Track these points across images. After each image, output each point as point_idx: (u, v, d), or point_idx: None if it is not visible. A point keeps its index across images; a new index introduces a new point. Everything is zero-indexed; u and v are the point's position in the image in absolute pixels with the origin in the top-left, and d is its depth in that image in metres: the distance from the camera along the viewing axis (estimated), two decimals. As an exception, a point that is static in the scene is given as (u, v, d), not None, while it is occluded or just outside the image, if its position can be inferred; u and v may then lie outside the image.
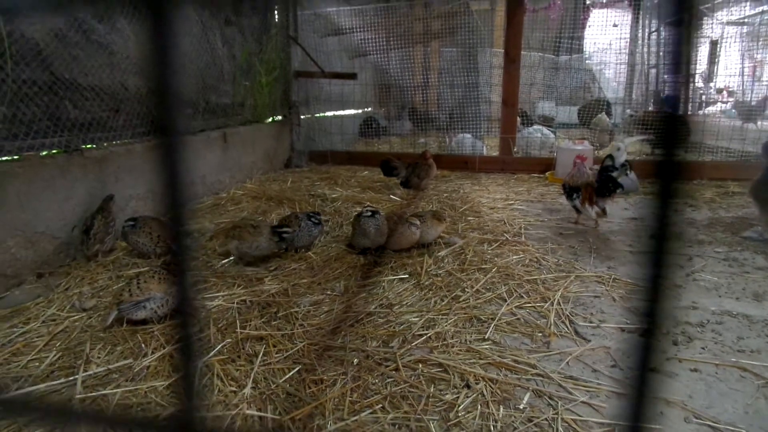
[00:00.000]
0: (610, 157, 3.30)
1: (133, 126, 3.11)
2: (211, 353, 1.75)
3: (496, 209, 3.66)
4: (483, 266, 2.54)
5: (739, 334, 1.89)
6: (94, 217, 2.59)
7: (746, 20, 9.25)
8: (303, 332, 1.92)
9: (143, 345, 1.81)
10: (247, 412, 1.46)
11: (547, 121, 6.30)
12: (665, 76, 8.22)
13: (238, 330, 1.91)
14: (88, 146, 2.81)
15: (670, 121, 0.35)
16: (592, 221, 3.30)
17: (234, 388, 1.58)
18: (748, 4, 8.96)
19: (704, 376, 1.63)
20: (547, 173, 4.85)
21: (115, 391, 1.56)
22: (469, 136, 5.70)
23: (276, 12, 4.96)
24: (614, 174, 3.21)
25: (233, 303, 2.14)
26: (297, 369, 1.68)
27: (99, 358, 1.74)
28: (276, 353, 1.78)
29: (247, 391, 1.56)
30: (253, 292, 2.27)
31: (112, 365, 1.69)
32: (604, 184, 3.15)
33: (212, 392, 1.56)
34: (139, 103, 3.05)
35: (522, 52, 6.73)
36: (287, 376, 1.64)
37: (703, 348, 1.80)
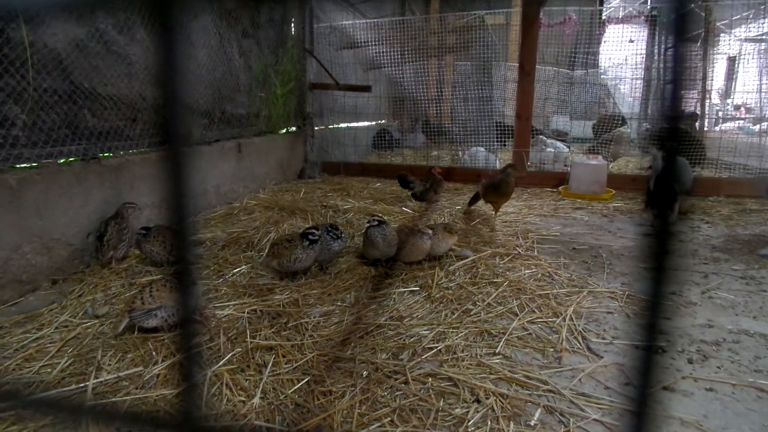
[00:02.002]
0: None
1: (150, 135, 3.16)
2: (221, 362, 1.75)
3: (509, 223, 3.64)
4: (495, 280, 2.52)
5: (756, 353, 1.85)
6: (107, 223, 2.63)
7: (765, 37, 9.17)
8: (312, 343, 1.92)
9: (154, 353, 1.82)
10: (256, 422, 1.46)
11: (560, 136, 6.27)
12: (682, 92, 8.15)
13: (248, 339, 1.91)
14: (105, 155, 2.85)
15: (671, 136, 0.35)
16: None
17: (243, 398, 1.58)
18: (766, 20, 8.89)
19: (720, 396, 1.59)
20: (560, 188, 4.82)
21: (125, 398, 1.56)
22: (482, 149, 5.69)
23: (293, 25, 5.02)
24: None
25: (244, 312, 2.14)
26: (306, 380, 1.67)
27: (110, 365, 1.75)
28: (285, 364, 1.78)
29: (256, 401, 1.55)
30: (264, 302, 2.27)
31: (123, 372, 1.69)
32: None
33: (221, 401, 1.56)
34: (156, 112, 3.10)
35: (536, 66, 6.74)
36: (296, 387, 1.63)
37: (719, 367, 1.76)
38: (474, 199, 3.85)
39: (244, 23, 4.13)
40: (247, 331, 1.97)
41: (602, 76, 9.13)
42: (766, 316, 2.17)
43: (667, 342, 1.94)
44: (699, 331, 2.03)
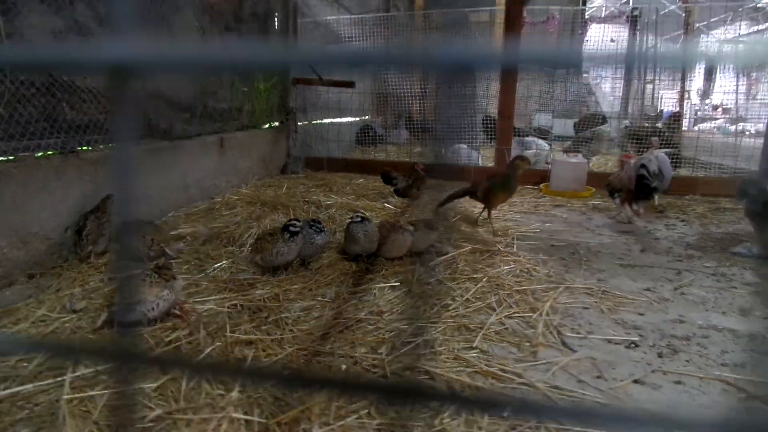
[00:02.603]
0: (644, 166, 3.51)
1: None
2: (201, 356, 1.76)
3: (489, 219, 3.68)
4: (474, 276, 2.55)
5: (723, 348, 1.91)
6: (86, 217, 2.61)
7: (742, 39, 9.36)
8: (292, 337, 1.93)
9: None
10: (234, 415, 1.47)
11: (542, 134, 6.35)
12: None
13: (228, 334, 1.92)
14: (84, 148, 2.83)
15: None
16: (626, 219, 3.73)
17: (222, 392, 1.59)
18: (743, 23, 9.07)
19: (688, 389, 1.65)
20: (541, 185, 4.89)
21: (102, 392, 1.56)
22: (464, 146, 5.73)
23: (276, 19, 5.00)
24: (651, 183, 3.49)
25: (224, 307, 2.15)
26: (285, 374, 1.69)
27: (88, 359, 1.75)
28: (265, 358, 1.79)
29: (235, 394, 1.57)
30: (244, 296, 2.27)
31: (100, 367, 1.69)
32: (640, 189, 3.51)
33: (200, 395, 1.57)
34: (137, 105, 3.07)
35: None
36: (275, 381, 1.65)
37: (687, 361, 1.82)
38: (451, 198, 3.58)
39: (227, 17, 4.10)
40: (227, 326, 1.98)
41: (584, 75, 9.25)
42: (735, 312, 2.24)
43: (640, 337, 2.00)
44: (670, 327, 2.09)
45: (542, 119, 8.31)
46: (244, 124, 4.59)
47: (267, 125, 5.07)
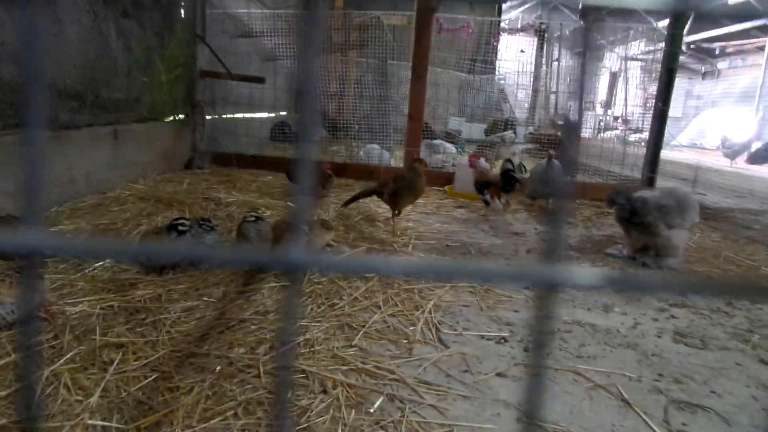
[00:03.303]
0: (510, 161, 3.98)
1: (6, 117, 2.90)
2: (61, 361, 1.66)
3: (393, 220, 3.76)
4: (366, 275, 2.60)
5: (582, 341, 2.09)
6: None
7: (640, 56, 10.19)
8: (168, 339, 1.88)
9: (-15, 352, 1.69)
10: (89, 421, 1.41)
11: (450, 137, 6.57)
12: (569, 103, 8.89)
13: (98, 337, 1.84)
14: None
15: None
16: (500, 212, 4.04)
17: (80, 398, 1.52)
18: (642, 41, 9.85)
19: (543, 380, 1.78)
20: (446, 187, 5.06)
21: (-58, 402, 1.44)
22: (376, 146, 5.81)
23: (182, 8, 4.82)
24: (516, 174, 3.90)
25: (98, 309, 2.04)
26: (153, 377, 1.64)
27: (-70, 366, 1.60)
28: (134, 361, 1.73)
29: (94, 399, 1.50)
30: (123, 297, 2.18)
31: (-56, 374, 1.56)
32: (507, 182, 3.83)
33: (55, 402, 1.49)
34: (12, 92, 2.85)
35: (438, 69, 6.98)
36: (141, 384, 1.60)
37: (548, 354, 1.96)
38: (356, 197, 3.62)
39: (125, 2, 3.89)
40: (98, 328, 1.89)
41: (501, 82, 9.68)
42: (599, 307, 2.45)
43: (510, 333, 2.13)
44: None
45: (455, 123, 8.60)
46: (144, 116, 4.38)
47: (171, 118, 4.86)
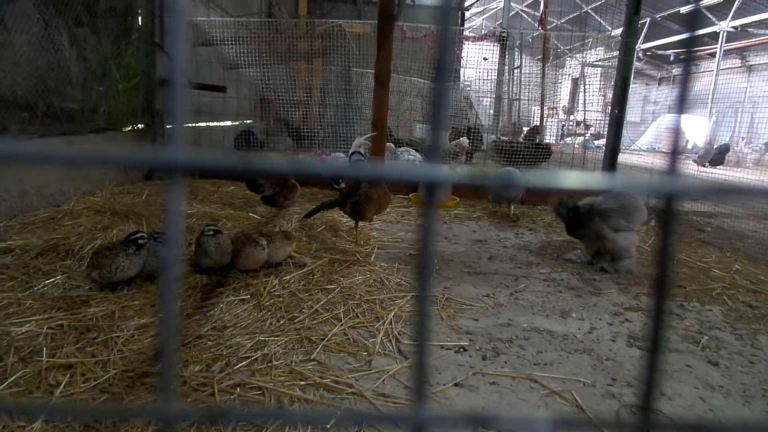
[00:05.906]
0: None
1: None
2: (3, 385, 1.60)
3: (356, 230, 3.75)
4: (327, 286, 2.59)
5: (539, 348, 2.12)
6: None
7: (600, 63, 10.49)
8: (120, 358, 1.83)
9: None
10: (31, 449, 1.36)
11: (415, 144, 6.63)
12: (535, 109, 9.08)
13: (44, 358, 1.77)
14: None
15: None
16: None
17: (23, 423, 1.46)
18: (602, 49, 10.14)
19: (500, 389, 1.80)
20: (411, 195, 5.09)
21: None
22: (342, 155, 5.81)
23: (139, 16, 4.72)
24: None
25: (45, 328, 1.97)
26: (103, 398, 1.59)
27: None
28: (83, 382, 1.67)
29: (38, 425, 1.44)
30: (73, 315, 2.11)
31: None
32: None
33: (-4, 429, 1.43)
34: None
35: (403, 77, 7.02)
36: (88, 408, 1.54)
37: (506, 362, 1.99)
38: (319, 209, 3.54)
39: (78, 10, 3.79)
40: (45, 349, 1.82)
41: (467, 89, 9.81)
42: (557, 314, 2.49)
43: (470, 341, 2.15)
44: (498, 330, 2.27)
45: (422, 130, 8.66)
46: (101, 126, 4.27)
47: (129, 128, 4.75)
